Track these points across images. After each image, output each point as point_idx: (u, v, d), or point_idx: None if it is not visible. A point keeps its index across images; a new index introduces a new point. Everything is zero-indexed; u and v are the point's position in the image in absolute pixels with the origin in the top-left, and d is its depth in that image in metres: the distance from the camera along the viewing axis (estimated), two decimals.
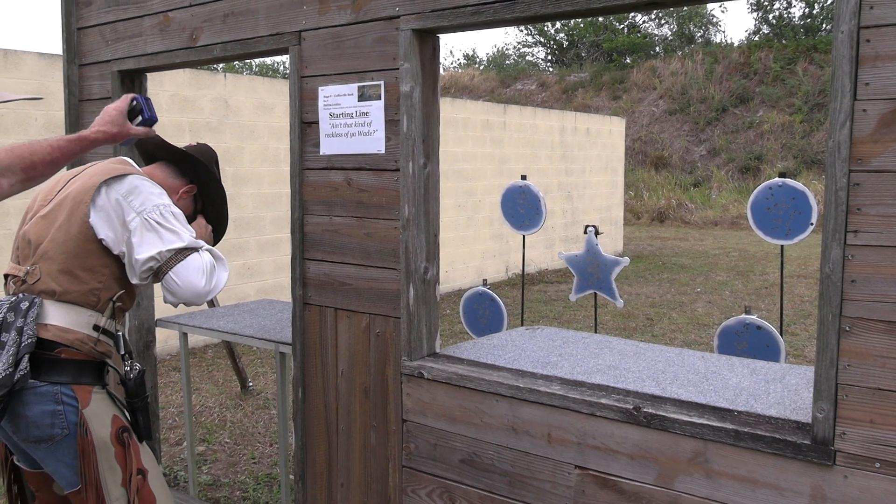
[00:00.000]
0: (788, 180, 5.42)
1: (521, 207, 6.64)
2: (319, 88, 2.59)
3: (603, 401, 2.08)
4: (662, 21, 30.36)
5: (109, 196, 2.11)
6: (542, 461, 2.20)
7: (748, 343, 3.91)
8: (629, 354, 2.58)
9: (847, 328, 1.71)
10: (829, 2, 26.69)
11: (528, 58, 33.55)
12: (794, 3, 27.62)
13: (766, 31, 28.21)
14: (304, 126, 2.65)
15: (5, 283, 2.26)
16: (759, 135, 22.13)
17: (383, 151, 2.45)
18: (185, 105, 6.66)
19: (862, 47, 1.64)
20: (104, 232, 2.10)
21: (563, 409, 2.15)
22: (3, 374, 2.04)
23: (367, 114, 2.45)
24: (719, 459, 1.90)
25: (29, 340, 2.07)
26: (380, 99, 2.42)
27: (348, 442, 2.67)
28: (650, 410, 2.00)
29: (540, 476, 2.21)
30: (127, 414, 2.29)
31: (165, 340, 6.51)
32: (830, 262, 1.71)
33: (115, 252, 2.13)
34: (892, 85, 1.61)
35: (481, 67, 32.47)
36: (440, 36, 2.44)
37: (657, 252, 13.98)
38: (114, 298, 2.18)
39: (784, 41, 25.15)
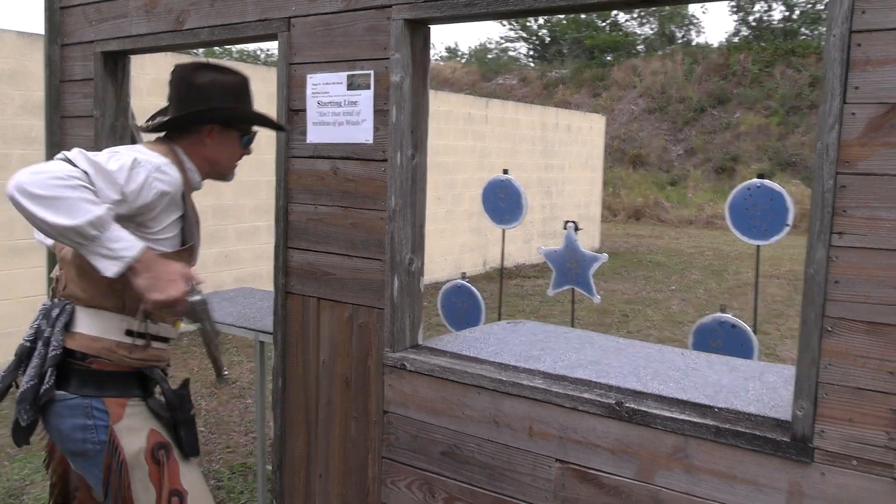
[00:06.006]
0: (766, 181, 5.48)
1: (502, 202, 6.65)
2: (308, 76, 2.57)
3: (585, 395, 2.09)
4: (644, 20, 30.51)
5: None
6: (522, 454, 2.21)
7: (722, 341, 3.96)
8: (610, 350, 2.60)
9: (829, 328, 1.73)
10: (808, 6, 26.99)
11: (509, 53, 33.57)
12: (773, 6, 27.87)
13: (745, 34, 28.46)
14: (291, 114, 2.63)
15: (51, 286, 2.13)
16: (735, 136, 22.36)
17: (371, 141, 2.43)
18: (165, 89, 6.59)
19: (853, 51, 1.66)
20: None
21: (545, 403, 2.15)
22: (26, 387, 1.92)
23: (355, 103, 2.44)
24: (699, 455, 1.92)
25: (54, 352, 1.93)
26: (369, 88, 2.41)
27: (328, 432, 2.66)
28: (632, 406, 2.02)
29: (520, 469, 2.22)
30: (166, 429, 2.09)
31: None
32: (815, 262, 1.73)
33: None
34: (881, 89, 1.63)
35: (463, 61, 32.44)
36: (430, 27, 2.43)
37: (633, 249, 14.08)
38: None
39: (763, 44, 25.39)
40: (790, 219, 5.07)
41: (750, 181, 5.23)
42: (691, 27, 31.22)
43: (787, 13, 27.64)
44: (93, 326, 1.98)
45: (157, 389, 2.14)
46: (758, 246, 5.51)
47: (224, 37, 2.75)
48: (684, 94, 23.85)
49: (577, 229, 5.87)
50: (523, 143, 11.89)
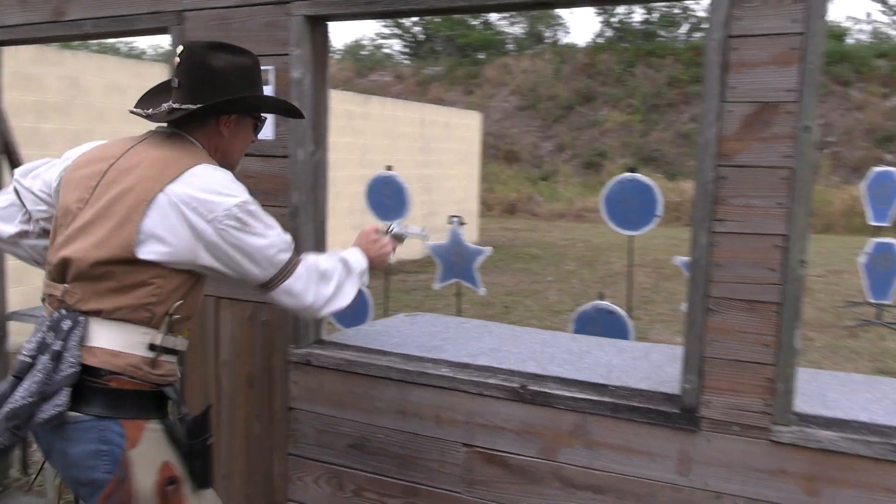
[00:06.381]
0: (638, 175, 5.79)
1: (387, 198, 6.69)
2: None
3: (490, 381, 2.19)
4: (514, 20, 31.30)
5: (167, 206, 1.73)
6: (430, 441, 2.28)
7: (601, 327, 4.19)
8: (507, 338, 2.71)
9: (712, 307, 1.90)
10: (666, 9, 28.58)
11: (384, 49, 33.60)
12: (634, 8, 29.33)
13: (609, 34, 29.79)
14: None
15: (43, 302, 1.86)
16: (601, 132, 23.42)
17: (272, 138, 2.42)
18: (28, 83, 6.19)
19: (730, 54, 1.83)
20: (159, 251, 1.74)
21: (451, 391, 2.23)
22: (20, 404, 1.68)
23: None
24: (598, 431, 2.06)
25: (71, 370, 1.70)
26: (268, 84, 2.40)
27: (230, 432, 2.62)
28: (534, 388, 2.13)
29: (428, 456, 2.29)
30: (180, 457, 1.87)
31: (20, 334, 6.02)
32: (699, 247, 1.90)
33: (183, 267, 1.77)
34: (754, 89, 1.82)
35: (338, 57, 32.16)
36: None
37: (510, 243, 14.47)
38: (170, 311, 1.80)
39: (625, 45, 26.70)
40: (659, 210, 5.42)
41: (622, 175, 5.54)
42: (558, 27, 32.33)
43: (647, 15, 29.16)
44: (114, 341, 1.77)
45: (175, 412, 1.93)
46: (631, 236, 5.85)
47: (110, 30, 2.65)
48: (553, 93, 24.72)
49: (461, 224, 6.01)
50: (402, 139, 11.97)
